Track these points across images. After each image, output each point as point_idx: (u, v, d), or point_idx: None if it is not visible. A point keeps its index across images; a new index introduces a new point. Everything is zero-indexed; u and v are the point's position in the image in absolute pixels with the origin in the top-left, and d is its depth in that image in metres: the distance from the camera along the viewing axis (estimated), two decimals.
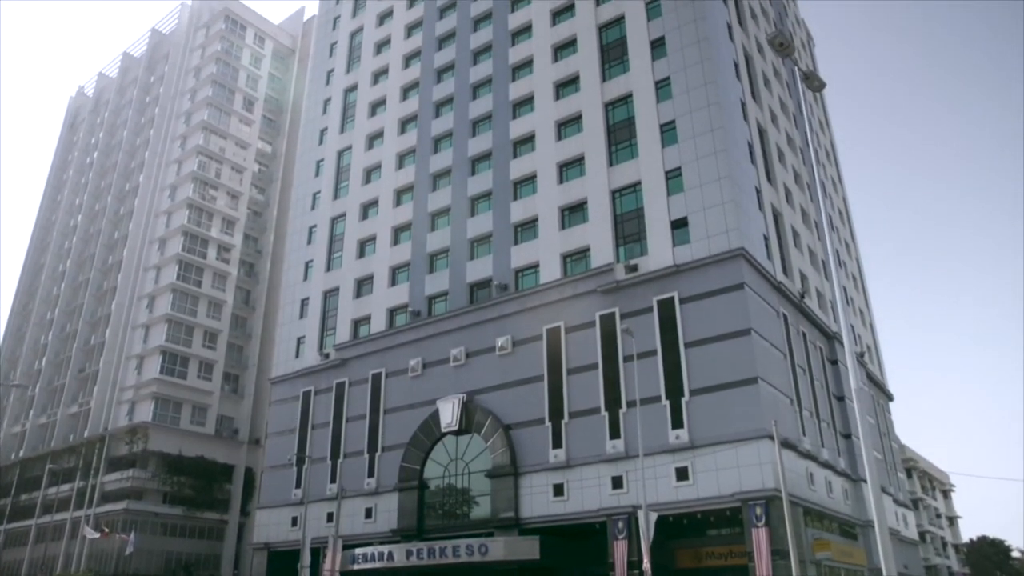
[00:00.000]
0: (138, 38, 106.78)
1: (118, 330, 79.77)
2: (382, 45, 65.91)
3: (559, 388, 42.54)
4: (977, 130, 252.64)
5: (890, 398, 63.35)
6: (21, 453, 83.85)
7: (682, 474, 36.92)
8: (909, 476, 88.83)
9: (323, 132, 66.48)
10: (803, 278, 48.42)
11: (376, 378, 51.68)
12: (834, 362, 48.56)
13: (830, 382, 47.38)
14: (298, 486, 52.70)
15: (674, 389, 38.46)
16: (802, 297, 45.93)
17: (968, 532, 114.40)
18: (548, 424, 42.23)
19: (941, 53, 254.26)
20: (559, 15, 53.62)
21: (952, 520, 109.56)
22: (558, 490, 40.68)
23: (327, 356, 55.36)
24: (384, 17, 67.20)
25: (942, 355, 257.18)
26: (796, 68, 21.05)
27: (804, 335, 45.23)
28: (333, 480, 50.94)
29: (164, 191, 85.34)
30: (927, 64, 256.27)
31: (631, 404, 38.92)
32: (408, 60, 62.96)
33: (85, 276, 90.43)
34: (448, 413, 46.22)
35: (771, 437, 33.99)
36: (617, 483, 38.73)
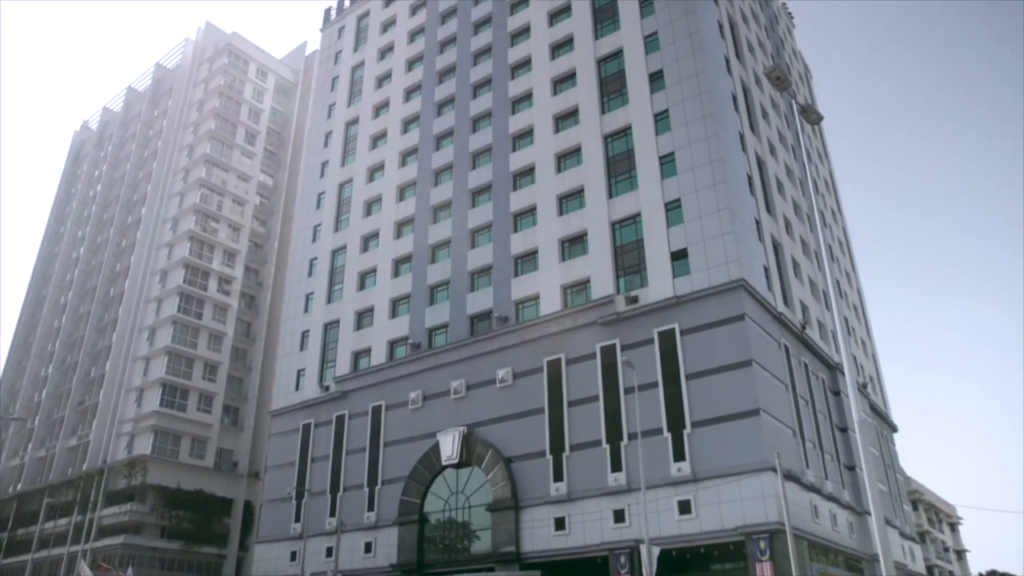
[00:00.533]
0: (142, 73, 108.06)
1: (118, 362, 79.63)
2: (383, 79, 66.59)
3: (560, 420, 42.29)
4: (977, 136, 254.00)
5: (894, 429, 62.94)
6: (19, 487, 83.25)
7: (684, 507, 36.56)
8: (915, 508, 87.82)
9: (324, 165, 66.90)
10: (804, 309, 48.36)
11: (376, 411, 51.44)
12: (836, 393, 48.31)
13: (833, 413, 47.09)
14: (297, 520, 52.20)
15: (676, 421, 38.23)
16: (803, 328, 45.83)
17: (977, 566, 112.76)
18: (549, 457, 41.91)
19: (942, 58, 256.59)
20: (558, 49, 54.19)
21: (960, 554, 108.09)
22: (559, 524, 40.25)
23: (327, 389, 55.16)
24: (385, 52, 67.99)
25: (946, 382, 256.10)
26: (793, 102, 21.20)
27: (806, 366, 45.06)
28: (333, 514, 50.47)
29: (166, 224, 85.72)
30: (925, 70, 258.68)
31: (632, 436, 38.67)
32: (409, 93, 63.56)
33: (86, 308, 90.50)
34: (448, 446, 45.91)
35: (774, 469, 33.75)
36: (619, 517, 38.35)
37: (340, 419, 53.36)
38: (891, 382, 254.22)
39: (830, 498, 40.97)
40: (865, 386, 56.23)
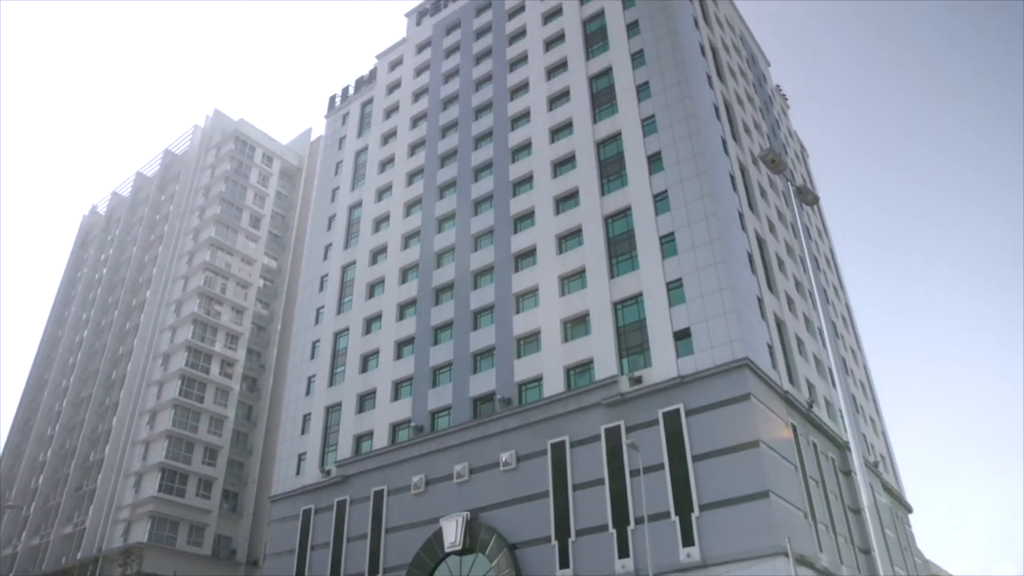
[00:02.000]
0: (151, 158, 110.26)
1: (118, 446, 78.62)
2: (386, 163, 67.82)
3: (565, 505, 41.34)
4: (991, 214, 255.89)
5: (909, 510, 61.45)
6: None
7: None
8: None
9: (327, 248, 67.47)
10: (810, 387, 47.87)
11: (378, 496, 50.42)
12: (847, 473, 47.33)
13: (844, 494, 46.03)
14: None
15: (683, 504, 37.34)
16: (810, 406, 45.23)
17: None
18: (554, 543, 40.79)
19: (945, 125, 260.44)
20: (557, 133, 55.30)
21: None
22: None
23: (328, 473, 54.22)
24: (388, 137, 69.46)
25: (964, 461, 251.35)
26: (790, 184, 21.43)
27: (815, 445, 44.28)
28: None
29: (170, 307, 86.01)
30: (926, 144, 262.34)
31: (639, 521, 37.67)
32: (411, 177, 64.59)
33: (88, 392, 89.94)
34: (451, 532, 44.79)
35: (786, 554, 32.77)
36: None
37: (341, 504, 52.26)
38: (906, 462, 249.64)
39: None
40: (876, 465, 55.18)
